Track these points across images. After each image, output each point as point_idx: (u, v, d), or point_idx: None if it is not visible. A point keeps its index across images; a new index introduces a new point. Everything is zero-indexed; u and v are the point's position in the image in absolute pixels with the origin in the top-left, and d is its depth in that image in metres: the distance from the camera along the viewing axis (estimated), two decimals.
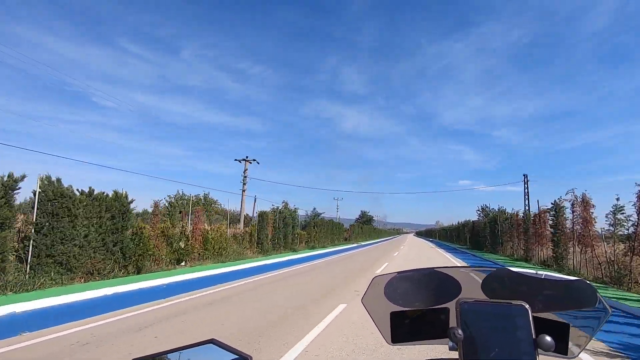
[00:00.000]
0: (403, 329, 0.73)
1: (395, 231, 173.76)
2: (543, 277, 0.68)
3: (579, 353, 0.65)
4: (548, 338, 0.56)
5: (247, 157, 23.03)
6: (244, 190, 22.64)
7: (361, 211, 74.89)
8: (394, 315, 0.73)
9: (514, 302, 0.59)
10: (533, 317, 0.61)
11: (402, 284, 0.73)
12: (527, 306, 0.58)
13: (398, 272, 0.74)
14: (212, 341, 0.65)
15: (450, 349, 0.63)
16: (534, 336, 0.57)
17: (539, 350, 0.57)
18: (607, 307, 0.64)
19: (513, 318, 0.58)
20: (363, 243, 40.75)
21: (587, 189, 14.50)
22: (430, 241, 58.33)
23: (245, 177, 22.90)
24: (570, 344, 0.64)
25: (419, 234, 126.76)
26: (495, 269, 0.73)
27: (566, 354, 0.64)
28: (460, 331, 0.58)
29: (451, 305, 0.69)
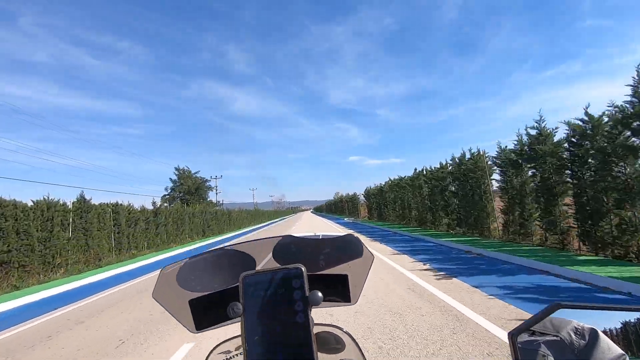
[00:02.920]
0: (205, 314, 0.70)
1: (291, 210, 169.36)
2: (320, 237, 0.72)
3: (358, 297, 0.71)
4: (318, 294, 0.59)
5: None
6: None
7: (176, 170, 39.99)
8: (192, 303, 0.69)
9: (290, 266, 0.61)
10: (317, 275, 0.68)
11: (195, 269, 0.70)
12: (302, 268, 0.61)
13: (189, 258, 0.69)
14: None
15: None
16: (307, 294, 0.59)
17: (314, 306, 0.60)
18: (371, 253, 0.72)
19: (290, 281, 0.60)
20: None
21: None
22: (337, 221, 37.06)
23: None
24: (350, 291, 0.70)
25: (318, 210, 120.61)
26: (282, 237, 0.73)
27: (350, 301, 0.71)
28: (239, 305, 0.58)
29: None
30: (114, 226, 16.37)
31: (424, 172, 19.50)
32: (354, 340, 0.70)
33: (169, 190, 41.18)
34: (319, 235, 0.74)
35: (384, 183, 30.41)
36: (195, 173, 42.51)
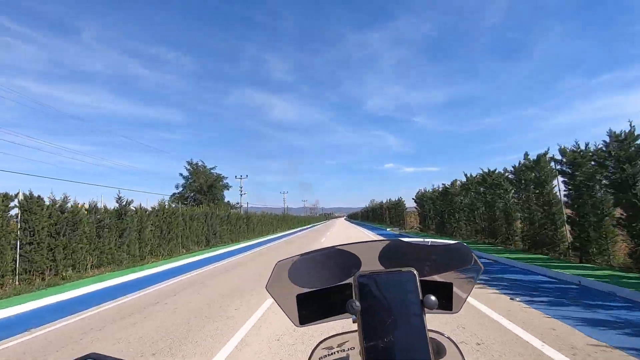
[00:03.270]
0: (310, 309, 0.73)
1: (325, 216, 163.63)
2: (430, 243, 0.72)
3: (461, 307, 0.71)
4: (432, 297, 0.60)
5: None
6: None
7: (188, 164, 34.36)
8: (299, 298, 0.72)
9: (403, 269, 0.64)
10: (421, 280, 0.66)
11: (305, 266, 0.72)
12: (415, 272, 0.63)
13: (300, 255, 0.72)
14: (90, 356, 0.67)
15: (354, 321, 0.64)
16: (420, 297, 0.60)
17: (427, 310, 0.61)
18: (480, 264, 0.69)
19: (403, 284, 0.62)
20: None
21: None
22: (379, 232, 28.63)
23: None
24: (454, 300, 0.70)
25: (352, 218, 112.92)
26: (389, 241, 0.74)
27: (452, 310, 0.70)
28: (357, 303, 0.60)
29: (352, 280, 0.69)
30: (23, 232, 9.81)
31: (557, 158, 11.03)
32: (457, 346, 0.68)
33: (180, 189, 34.76)
34: (429, 242, 0.74)
35: (449, 183, 22.03)
36: (211, 168, 35.76)
